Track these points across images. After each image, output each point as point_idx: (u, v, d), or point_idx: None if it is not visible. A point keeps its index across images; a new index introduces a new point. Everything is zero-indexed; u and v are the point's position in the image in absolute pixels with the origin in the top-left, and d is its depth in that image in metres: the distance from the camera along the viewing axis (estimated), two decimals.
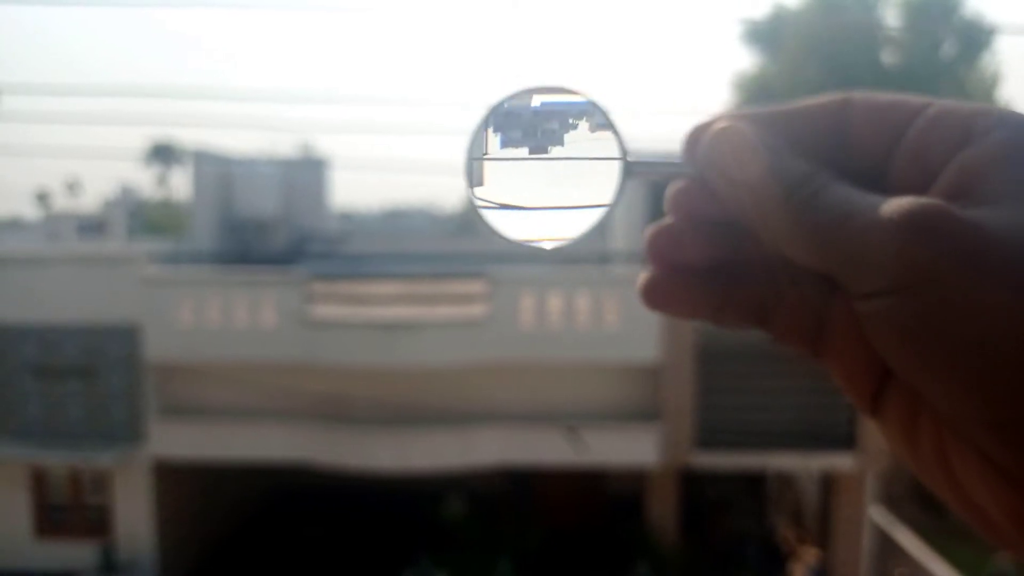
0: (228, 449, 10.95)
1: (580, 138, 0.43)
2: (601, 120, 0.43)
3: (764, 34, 21.38)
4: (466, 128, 0.43)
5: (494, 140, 0.42)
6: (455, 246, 17.06)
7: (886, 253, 0.34)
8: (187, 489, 11.94)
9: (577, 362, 10.59)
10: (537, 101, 0.43)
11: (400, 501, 12.46)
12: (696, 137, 0.42)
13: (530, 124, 0.42)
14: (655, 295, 0.44)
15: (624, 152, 0.43)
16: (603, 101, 0.43)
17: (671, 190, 0.43)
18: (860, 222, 0.35)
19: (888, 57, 20.51)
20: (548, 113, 0.43)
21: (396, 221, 29.95)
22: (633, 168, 0.43)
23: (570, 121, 0.42)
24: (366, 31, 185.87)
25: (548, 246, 0.43)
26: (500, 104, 0.43)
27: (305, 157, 19.26)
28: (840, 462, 10.72)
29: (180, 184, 47.97)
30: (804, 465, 11.81)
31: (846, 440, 10.42)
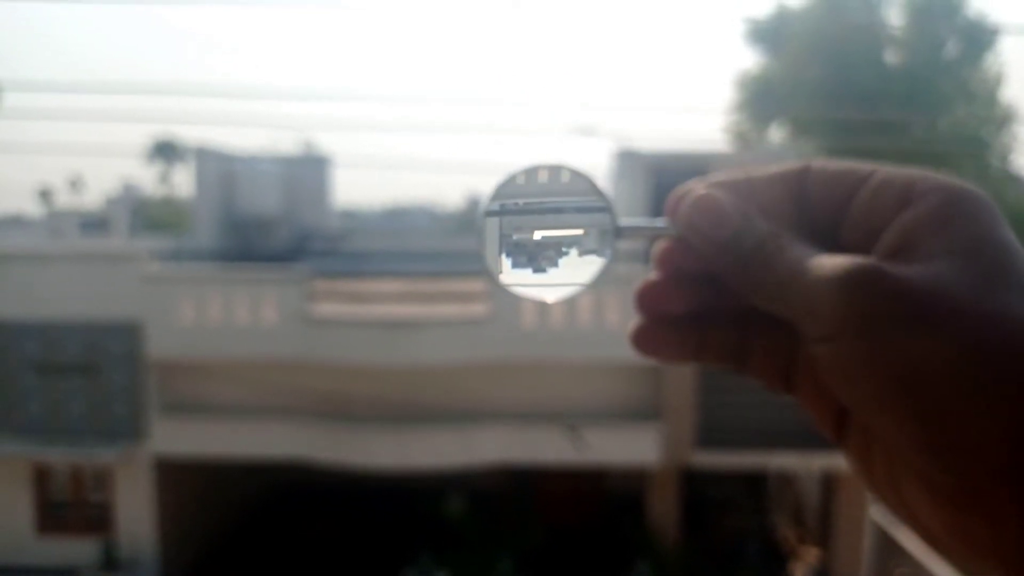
0: (229, 446, 10.96)
1: (574, 218, 0.50)
2: (590, 190, 0.50)
3: (767, 34, 21.36)
4: (487, 187, 0.51)
5: (506, 262, 0.50)
6: (456, 244, 17.06)
7: (829, 304, 0.39)
8: (188, 486, 11.95)
9: (578, 361, 10.60)
10: (537, 226, 0.50)
11: (401, 499, 12.47)
12: (678, 202, 0.48)
13: (533, 253, 0.50)
14: (644, 341, 0.49)
15: (614, 219, 0.49)
16: (591, 174, 0.50)
17: (656, 249, 0.50)
18: (810, 278, 0.41)
19: (891, 57, 20.49)
20: (546, 245, 0.50)
21: (397, 219, 29.96)
22: (623, 232, 0.49)
23: (563, 249, 0.50)
24: (368, 28, 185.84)
25: (551, 299, 0.51)
26: (498, 196, 0.50)
27: (307, 155, 19.25)
28: (841, 462, 10.68)
29: (182, 181, 48.00)
30: (805, 464, 11.80)
31: None
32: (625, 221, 0.49)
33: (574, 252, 0.50)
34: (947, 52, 20.06)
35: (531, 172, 0.50)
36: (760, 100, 21.56)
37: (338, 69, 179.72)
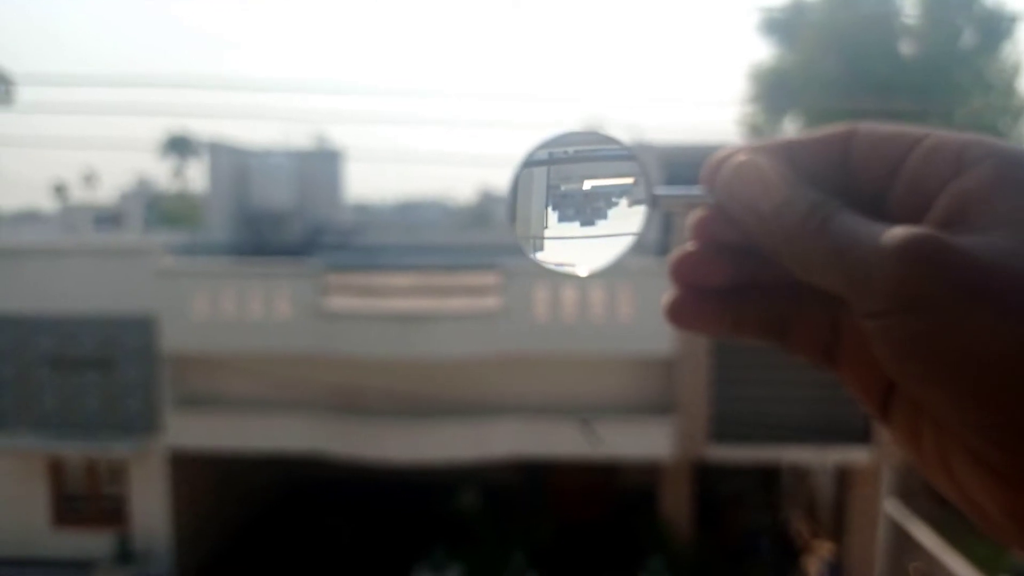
0: (243, 440, 11.00)
1: (614, 185, 0.47)
2: (626, 156, 0.47)
3: (781, 24, 21.20)
4: (512, 158, 0.48)
5: (552, 216, 0.47)
6: (469, 238, 17.06)
7: (885, 278, 0.37)
8: (202, 479, 12.01)
9: (591, 355, 10.57)
10: (583, 173, 0.47)
11: (414, 493, 12.49)
12: (715, 169, 0.45)
13: (583, 204, 0.47)
14: (679, 314, 0.47)
15: (649, 186, 0.47)
16: (626, 140, 0.47)
17: (693, 218, 0.47)
18: (863, 249, 0.39)
19: (906, 47, 20.30)
20: (597, 195, 0.47)
21: (410, 213, 29.97)
22: (658, 200, 0.47)
23: (613, 200, 0.47)
24: (381, 22, 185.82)
25: (582, 272, 0.48)
26: (540, 149, 0.47)
27: (320, 149, 19.27)
28: (855, 456, 10.66)
29: (196, 176, 48.16)
30: (819, 458, 11.75)
31: (861, 433, 10.36)
32: (660, 189, 0.47)
33: (607, 221, 0.47)
34: (963, 42, 19.86)
35: (565, 138, 0.48)
36: (774, 91, 21.42)
37: (351, 63, 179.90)
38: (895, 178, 0.42)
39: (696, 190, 0.47)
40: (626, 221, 0.47)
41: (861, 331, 0.40)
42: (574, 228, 0.47)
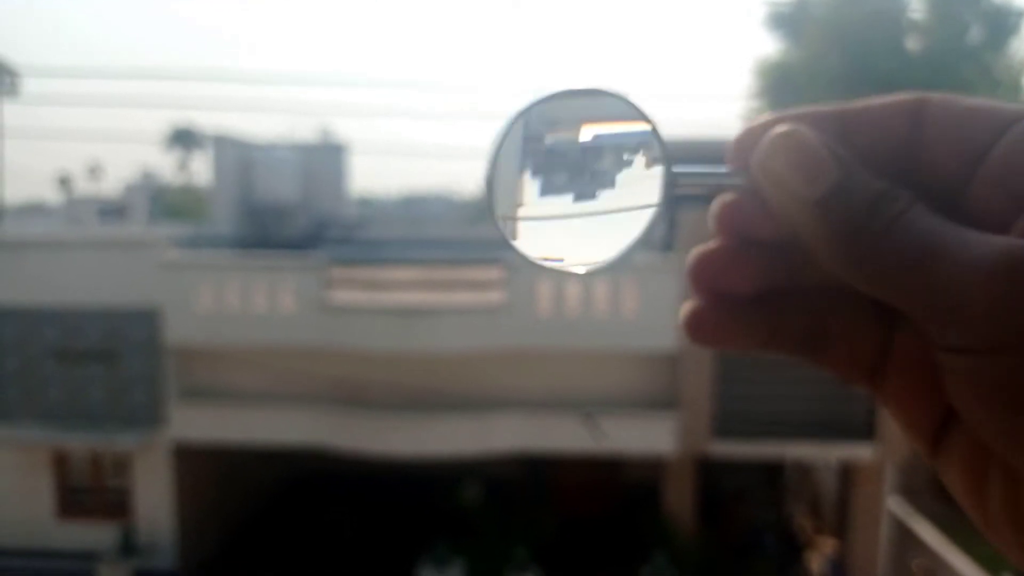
0: (247, 433, 11.02)
1: (615, 161, 0.38)
2: (635, 118, 0.38)
3: (787, 19, 21.13)
4: (490, 128, 0.38)
5: (532, 185, 0.38)
6: (473, 232, 17.04)
7: (978, 305, 0.30)
8: (207, 472, 12.04)
9: (595, 349, 10.56)
10: (584, 131, 0.38)
11: (417, 486, 12.50)
12: (749, 142, 0.37)
13: (577, 164, 0.37)
14: (700, 329, 0.39)
15: (668, 161, 0.38)
16: (638, 100, 0.38)
17: (717, 205, 0.39)
18: (949, 263, 0.30)
19: (913, 43, 20.23)
20: (599, 148, 0.37)
21: (414, 207, 29.95)
22: (678, 179, 0.38)
23: (624, 157, 0.37)
24: (386, 14, 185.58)
25: (580, 270, 0.39)
26: (530, 111, 0.38)
27: (324, 142, 19.27)
28: (859, 452, 10.65)
29: (201, 169, 48.21)
30: (822, 455, 11.74)
31: (865, 430, 10.35)
32: (681, 167, 0.38)
33: (611, 206, 0.38)
34: (970, 38, 19.78)
35: (561, 99, 0.38)
36: (779, 86, 21.35)
37: (356, 56, 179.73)
38: (977, 168, 0.34)
39: (724, 170, 0.38)
40: (636, 206, 0.38)
41: (917, 352, 0.35)
42: (567, 205, 0.38)
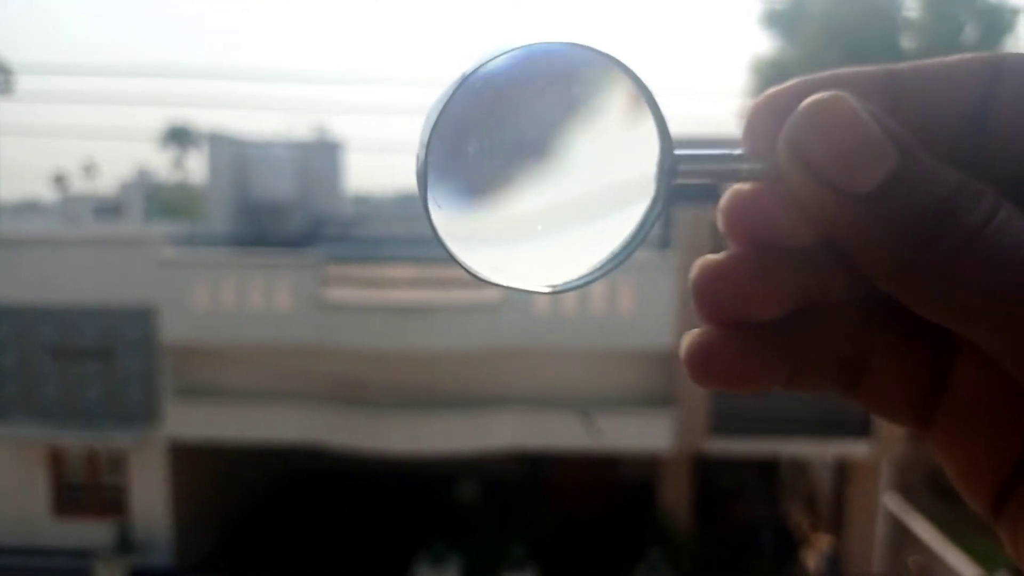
0: (243, 431, 11.01)
1: (603, 124, 0.28)
2: (623, 84, 0.28)
3: (782, 17, 21.15)
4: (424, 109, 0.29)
5: (481, 174, 0.28)
6: None
7: None
8: (203, 470, 12.03)
9: (591, 347, 10.57)
10: (553, 102, 0.28)
11: (414, 484, 12.50)
12: (771, 115, 0.28)
13: (543, 147, 0.28)
14: (709, 368, 0.30)
15: (667, 145, 0.29)
16: (628, 60, 0.28)
17: (729, 199, 0.30)
18: None
19: (908, 41, 20.26)
20: (572, 125, 0.28)
21: (411, 204, 29.89)
22: (678, 165, 0.29)
23: (607, 136, 0.28)
24: (382, 10, 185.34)
25: (545, 290, 0.30)
26: (474, 73, 0.28)
27: (320, 140, 19.26)
28: (855, 449, 10.67)
29: (196, 167, 48.14)
30: (818, 452, 11.76)
31: (861, 427, 10.37)
32: (684, 149, 0.29)
33: (592, 203, 0.29)
34: (965, 36, 19.81)
35: (522, 59, 0.28)
36: (774, 84, 21.33)
37: (352, 53, 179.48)
38: None
39: (737, 153, 0.29)
40: (624, 201, 0.29)
41: (992, 391, 0.28)
42: (528, 202, 0.28)
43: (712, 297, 0.29)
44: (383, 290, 11.33)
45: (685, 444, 10.72)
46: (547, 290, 0.30)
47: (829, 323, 0.30)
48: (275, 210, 16.21)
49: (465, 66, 0.28)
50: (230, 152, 15.50)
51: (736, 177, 0.29)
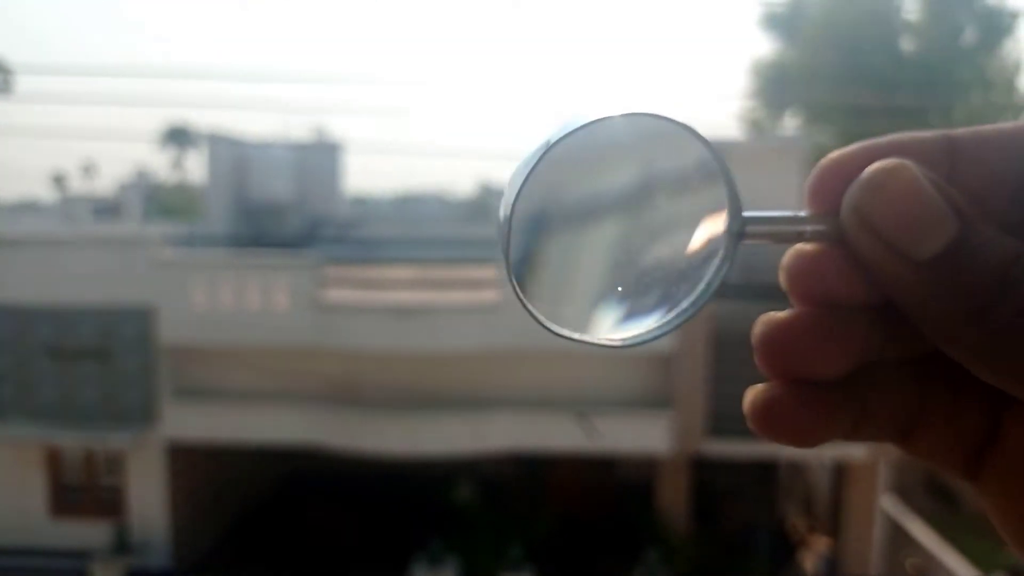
0: (241, 431, 11.01)
1: (676, 209, 0.31)
2: (701, 159, 0.30)
3: (782, 20, 21.18)
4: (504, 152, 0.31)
5: (558, 241, 0.31)
6: (468, 231, 17.04)
7: None
8: (200, 471, 12.02)
9: (589, 349, 10.55)
10: (624, 170, 0.31)
11: (412, 485, 12.50)
12: (836, 178, 0.29)
13: (616, 211, 0.30)
14: (776, 423, 0.32)
15: (737, 208, 0.30)
16: (695, 126, 0.30)
17: (792, 259, 0.31)
18: None
19: (907, 43, 20.28)
20: (644, 191, 0.30)
21: (409, 206, 29.93)
22: (746, 228, 0.30)
23: (676, 199, 0.30)
24: (381, 12, 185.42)
25: (619, 344, 0.32)
26: (558, 142, 0.30)
27: (319, 141, 19.25)
28: (852, 451, 10.68)
29: (195, 167, 48.13)
30: (815, 454, 11.76)
31: None
32: (751, 212, 0.30)
33: (663, 261, 0.31)
34: (964, 38, 19.84)
35: (600, 127, 0.30)
36: (775, 87, 21.39)
37: (351, 55, 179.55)
38: (1014, 206, 0.29)
39: (803, 214, 0.30)
40: (694, 260, 0.31)
41: None
42: (609, 276, 0.31)
43: (778, 354, 0.31)
44: (381, 291, 11.33)
45: (683, 446, 10.73)
46: (620, 344, 0.32)
47: (888, 378, 0.31)
48: (274, 211, 16.21)
49: (549, 133, 0.30)
50: (229, 153, 15.50)
51: (801, 238, 0.30)
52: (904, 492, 12.57)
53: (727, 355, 10.31)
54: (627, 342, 0.32)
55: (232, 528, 12.92)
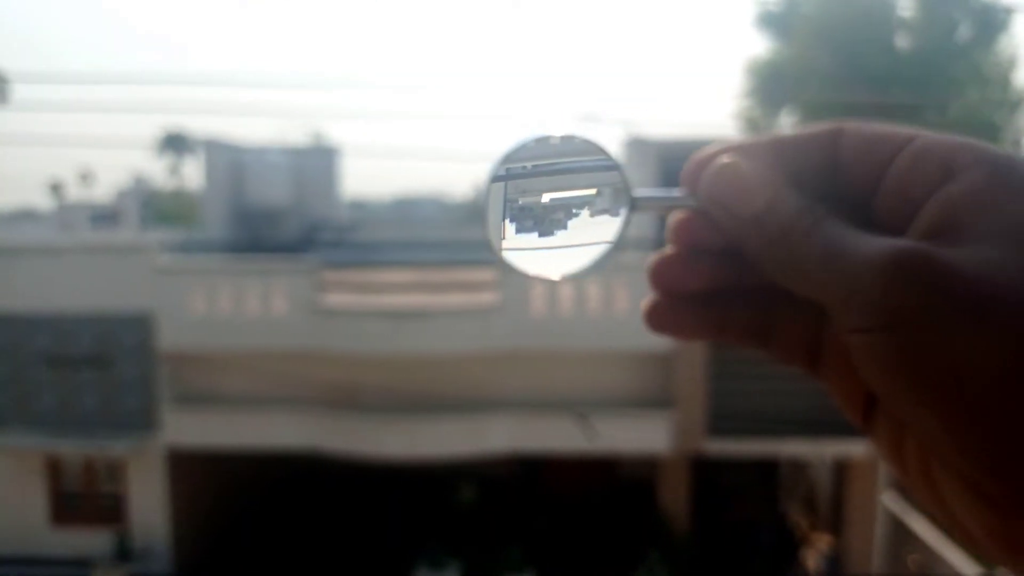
0: (241, 437, 11.00)
1: (575, 196, 0.46)
2: (604, 159, 0.46)
3: (777, 18, 21.19)
4: (492, 144, 0.44)
5: (510, 227, 0.46)
6: (465, 234, 17.04)
7: (870, 293, 0.36)
8: (200, 477, 12.01)
9: (588, 349, 10.58)
10: (545, 188, 0.45)
11: (412, 489, 12.50)
12: (696, 171, 0.44)
13: (540, 216, 0.46)
14: (659, 319, 0.46)
15: (628, 188, 0.45)
16: (603, 140, 0.45)
17: (673, 221, 0.46)
18: (847, 261, 0.37)
19: (902, 41, 20.30)
20: (555, 207, 0.46)
21: (406, 209, 29.92)
22: (637, 203, 0.45)
23: (573, 211, 0.46)
24: (377, 17, 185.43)
25: (554, 276, 0.47)
26: (506, 162, 0.46)
27: (316, 145, 19.28)
28: (853, 449, 10.68)
29: (192, 173, 48.11)
30: (817, 452, 11.77)
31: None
32: (640, 191, 0.45)
33: (582, 224, 0.45)
34: (959, 35, 19.85)
35: (541, 140, 0.46)
36: (770, 85, 21.40)
37: (347, 59, 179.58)
38: (880, 181, 0.41)
39: (677, 192, 0.45)
40: (605, 225, 0.46)
41: (843, 341, 0.39)
42: (538, 239, 0.46)
43: (660, 274, 0.46)
44: (379, 295, 11.33)
45: (683, 445, 10.73)
46: (558, 276, 0.47)
47: (743, 299, 0.46)
48: (271, 216, 16.21)
49: (512, 142, 0.46)
50: (226, 159, 15.49)
51: (677, 207, 0.46)
52: (905, 489, 12.56)
53: (727, 354, 10.32)
54: (562, 276, 0.46)
55: (233, 533, 12.91)
